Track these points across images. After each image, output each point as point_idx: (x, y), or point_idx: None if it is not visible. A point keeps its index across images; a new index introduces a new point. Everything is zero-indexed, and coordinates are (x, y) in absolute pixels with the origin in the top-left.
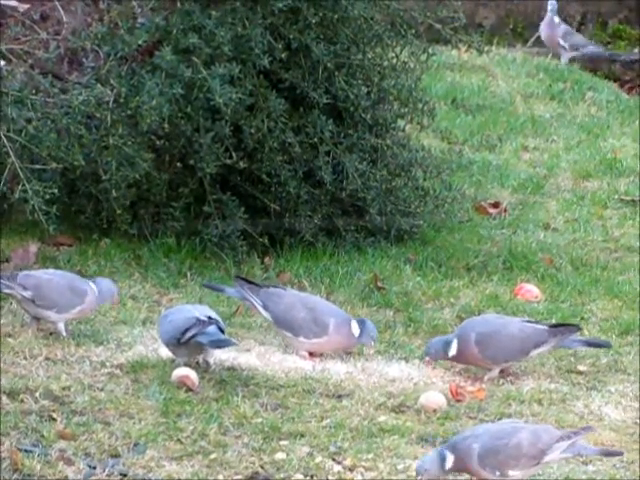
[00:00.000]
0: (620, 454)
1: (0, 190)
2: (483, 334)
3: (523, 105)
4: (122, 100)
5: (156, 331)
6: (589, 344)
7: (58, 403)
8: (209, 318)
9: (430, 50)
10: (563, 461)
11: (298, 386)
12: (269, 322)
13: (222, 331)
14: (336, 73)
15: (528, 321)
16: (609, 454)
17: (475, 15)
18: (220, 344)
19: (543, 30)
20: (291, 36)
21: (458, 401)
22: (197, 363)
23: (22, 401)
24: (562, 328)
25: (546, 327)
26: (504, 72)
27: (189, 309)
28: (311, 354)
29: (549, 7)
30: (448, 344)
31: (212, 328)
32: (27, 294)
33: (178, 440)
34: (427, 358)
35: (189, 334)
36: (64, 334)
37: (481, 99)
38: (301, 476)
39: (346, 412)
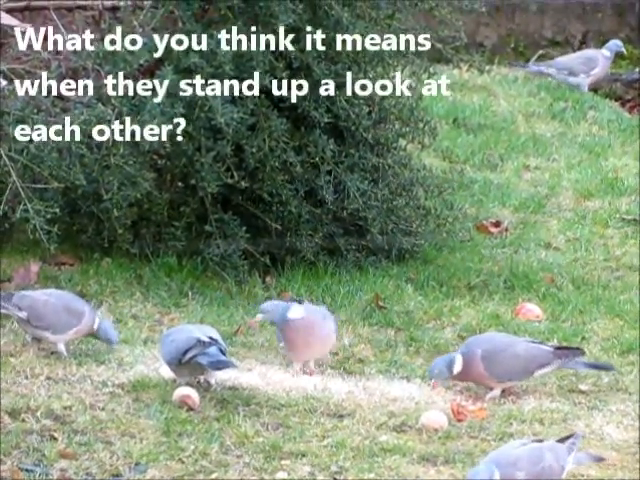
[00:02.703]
0: (603, 459)
1: (1, 209)
2: (489, 351)
3: (524, 124)
4: (123, 119)
5: (158, 351)
6: (592, 367)
7: (59, 422)
8: (210, 339)
9: (431, 69)
10: None
11: (299, 405)
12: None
13: (223, 352)
14: (337, 92)
15: (533, 342)
16: (599, 459)
17: (476, 34)
18: (220, 365)
19: (602, 68)
20: (292, 55)
21: (459, 420)
22: (198, 382)
23: (23, 420)
24: (567, 351)
25: (551, 349)
26: (505, 91)
27: (191, 329)
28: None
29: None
30: (452, 361)
31: (213, 349)
32: (22, 315)
33: (179, 460)
34: (433, 381)
35: (189, 354)
36: (65, 354)
37: (482, 118)
38: None
39: (347, 431)
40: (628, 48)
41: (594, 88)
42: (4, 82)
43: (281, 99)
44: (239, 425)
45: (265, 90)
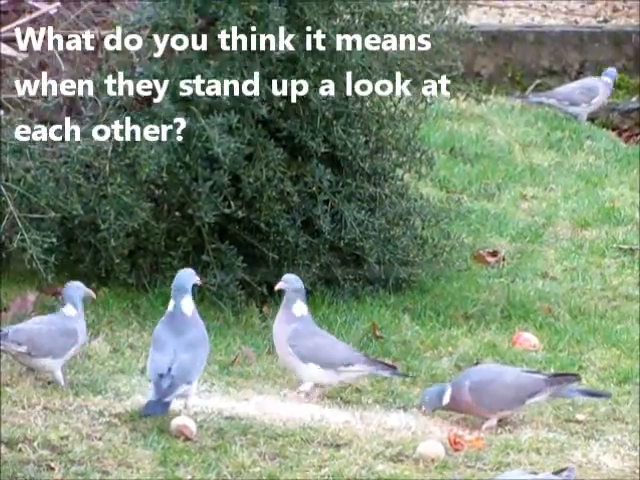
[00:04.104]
0: None
1: None
2: (477, 382)
3: (521, 154)
4: (120, 149)
5: None
6: (588, 394)
7: (56, 453)
8: (171, 376)
9: (428, 99)
10: None
11: (296, 435)
12: None
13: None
14: (334, 122)
15: (528, 371)
16: None
17: (473, 64)
18: (147, 412)
19: (603, 96)
20: (288, 85)
21: (456, 450)
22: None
23: (20, 451)
24: (560, 377)
25: (544, 376)
26: (502, 121)
27: (165, 352)
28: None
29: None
30: (442, 392)
31: (164, 389)
32: (22, 349)
33: None
34: (422, 408)
35: (150, 385)
36: (62, 383)
37: (479, 148)
38: None
39: (344, 461)
40: (625, 78)
41: (591, 117)
42: (1, 112)
43: (278, 129)
44: (236, 455)
45: (262, 120)
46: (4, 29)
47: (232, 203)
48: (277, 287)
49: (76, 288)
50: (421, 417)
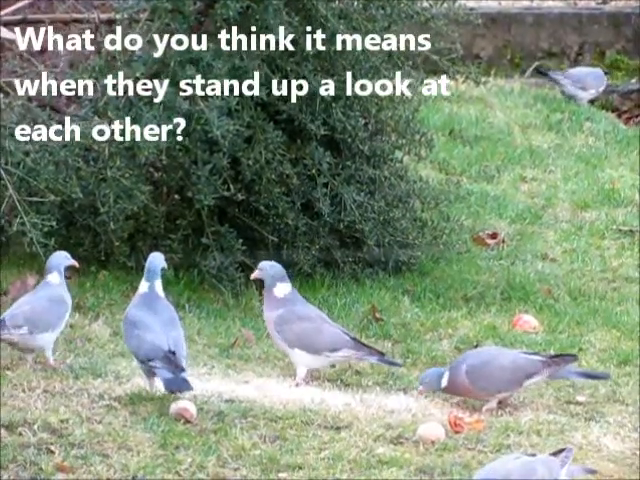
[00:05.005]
0: (595, 472)
1: None
2: (473, 365)
3: (521, 136)
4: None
5: (122, 335)
6: (587, 376)
7: (56, 436)
8: (172, 353)
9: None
10: None
11: (296, 418)
12: None
13: (181, 366)
14: (333, 105)
15: (526, 353)
16: (592, 472)
17: (472, 46)
18: (174, 388)
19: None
20: (288, 68)
21: (457, 432)
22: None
23: (20, 434)
24: (557, 359)
25: (541, 358)
26: (502, 103)
27: (157, 331)
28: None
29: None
30: (441, 375)
31: (174, 365)
32: (23, 331)
33: (176, 472)
34: (421, 387)
35: (152, 364)
36: (51, 361)
37: (479, 130)
38: None
39: (344, 444)
40: (624, 59)
41: (590, 99)
42: (0, 95)
43: (277, 111)
44: (236, 438)
45: (261, 102)
46: (3, 12)
47: (231, 186)
48: (253, 277)
49: (64, 257)
50: (421, 399)
